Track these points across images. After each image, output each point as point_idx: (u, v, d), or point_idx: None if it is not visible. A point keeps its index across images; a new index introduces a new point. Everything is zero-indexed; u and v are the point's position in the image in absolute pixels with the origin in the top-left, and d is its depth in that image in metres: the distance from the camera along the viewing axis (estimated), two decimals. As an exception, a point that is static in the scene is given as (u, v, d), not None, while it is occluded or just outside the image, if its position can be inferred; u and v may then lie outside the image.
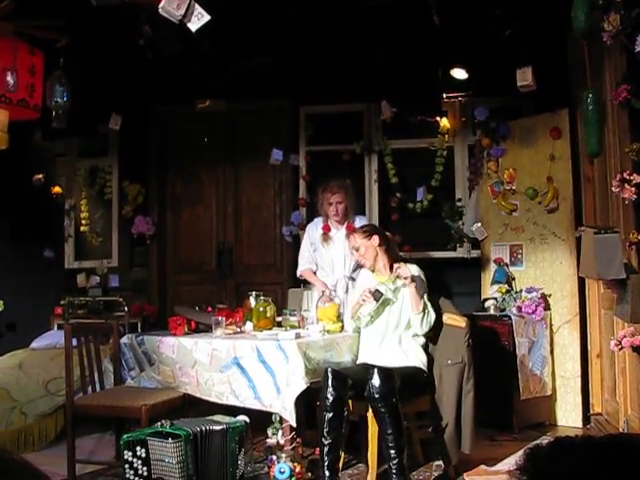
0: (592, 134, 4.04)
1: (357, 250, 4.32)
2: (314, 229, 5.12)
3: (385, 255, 4.29)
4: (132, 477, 3.36)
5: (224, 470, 3.47)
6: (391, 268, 4.20)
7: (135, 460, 3.35)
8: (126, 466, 3.37)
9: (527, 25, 4.82)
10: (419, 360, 4.08)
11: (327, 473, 3.64)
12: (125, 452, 3.38)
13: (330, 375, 3.75)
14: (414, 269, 4.18)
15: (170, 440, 3.28)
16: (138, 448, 3.34)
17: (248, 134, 6.86)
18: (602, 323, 4.90)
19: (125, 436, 3.42)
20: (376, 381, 3.66)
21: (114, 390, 4.27)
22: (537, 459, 1.20)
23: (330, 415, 3.70)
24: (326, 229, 5.02)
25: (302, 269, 5.11)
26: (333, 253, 4.99)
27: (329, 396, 3.71)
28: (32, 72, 4.31)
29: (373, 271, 4.34)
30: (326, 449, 3.67)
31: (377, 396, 3.65)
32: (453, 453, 4.00)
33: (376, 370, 3.70)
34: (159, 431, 3.34)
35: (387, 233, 4.59)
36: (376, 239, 4.27)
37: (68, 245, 7.24)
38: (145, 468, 3.33)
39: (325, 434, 3.69)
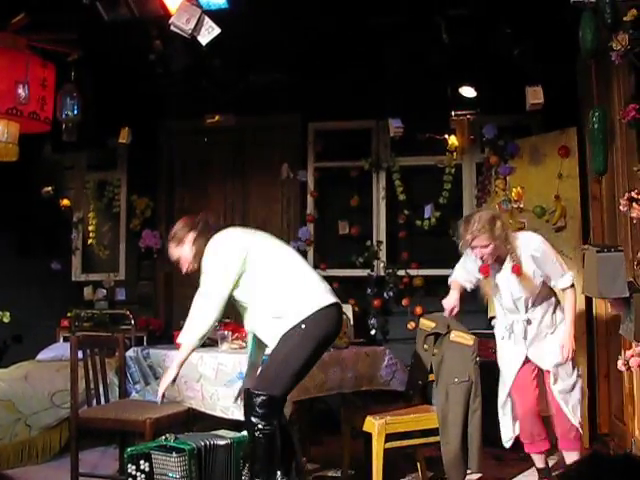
0: (598, 153, 4.04)
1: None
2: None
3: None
4: (135, 491, 3.34)
5: (228, 485, 3.45)
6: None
7: (139, 474, 3.33)
8: (129, 480, 3.36)
9: (536, 44, 4.84)
10: None
11: None
12: (129, 466, 3.36)
13: None
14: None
15: (174, 454, 3.26)
16: (142, 462, 3.32)
17: (257, 149, 6.88)
18: (609, 343, 4.87)
19: (129, 450, 3.40)
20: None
21: (119, 403, 4.26)
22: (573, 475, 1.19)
23: None
24: (484, 272, 4.09)
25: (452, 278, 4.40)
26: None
27: None
28: (43, 85, 4.36)
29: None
30: None
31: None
32: (460, 472, 3.97)
33: None
34: (163, 445, 3.32)
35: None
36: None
37: (75, 258, 7.26)
38: (148, 482, 3.31)
39: None
